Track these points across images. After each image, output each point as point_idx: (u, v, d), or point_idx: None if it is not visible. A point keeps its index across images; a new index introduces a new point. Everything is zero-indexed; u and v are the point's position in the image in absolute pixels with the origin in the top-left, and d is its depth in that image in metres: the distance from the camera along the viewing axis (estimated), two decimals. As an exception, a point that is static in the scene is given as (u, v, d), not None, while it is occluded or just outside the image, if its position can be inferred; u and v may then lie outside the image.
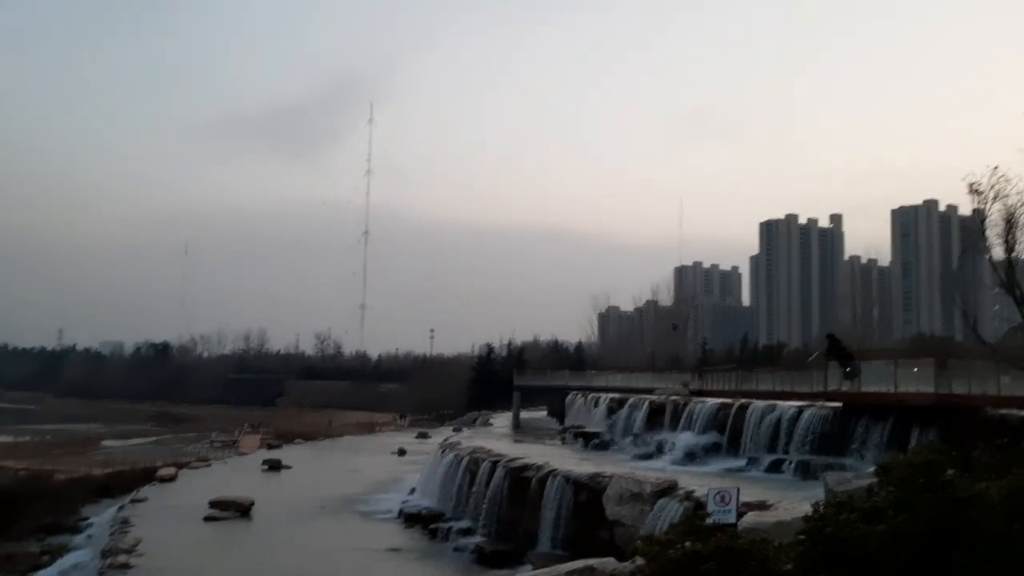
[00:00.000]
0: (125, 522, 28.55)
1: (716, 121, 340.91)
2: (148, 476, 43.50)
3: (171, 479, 40.75)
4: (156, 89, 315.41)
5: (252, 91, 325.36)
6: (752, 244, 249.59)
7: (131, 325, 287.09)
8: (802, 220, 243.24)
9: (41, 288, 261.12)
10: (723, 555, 9.29)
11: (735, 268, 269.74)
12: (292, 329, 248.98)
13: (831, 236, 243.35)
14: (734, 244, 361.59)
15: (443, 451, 35.69)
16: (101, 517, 36.31)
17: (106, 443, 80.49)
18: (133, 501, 34.19)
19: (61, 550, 33.09)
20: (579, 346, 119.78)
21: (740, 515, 14.04)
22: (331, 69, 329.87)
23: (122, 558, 22.59)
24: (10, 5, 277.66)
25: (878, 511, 7.56)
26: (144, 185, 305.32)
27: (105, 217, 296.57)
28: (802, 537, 8.72)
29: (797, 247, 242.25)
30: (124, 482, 46.61)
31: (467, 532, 27.21)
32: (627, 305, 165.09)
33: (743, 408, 30.92)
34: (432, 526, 28.65)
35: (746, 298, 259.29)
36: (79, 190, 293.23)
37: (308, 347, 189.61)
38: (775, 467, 27.36)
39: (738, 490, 14.21)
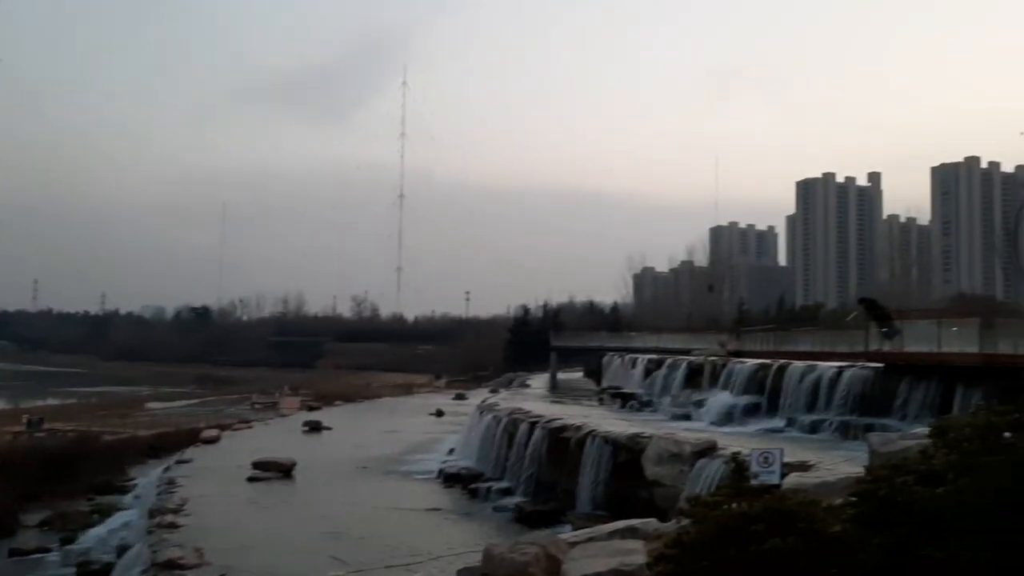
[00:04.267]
0: (171, 482, 29.13)
1: (752, 77, 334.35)
2: (192, 438, 44.36)
3: (214, 440, 41.48)
4: (189, 53, 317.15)
5: (282, 53, 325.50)
6: (789, 203, 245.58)
7: (171, 289, 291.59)
8: (839, 178, 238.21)
9: (83, 254, 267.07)
10: (772, 516, 9.15)
11: (771, 228, 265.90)
12: (329, 292, 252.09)
13: (869, 194, 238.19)
14: (771, 203, 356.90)
15: (481, 412, 35.95)
16: (148, 477, 37.25)
17: (151, 405, 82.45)
18: (178, 462, 34.85)
19: (110, 509, 34.12)
20: (615, 307, 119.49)
21: (783, 476, 13.93)
22: (358, 28, 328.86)
23: (169, 517, 23.10)
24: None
25: (935, 474, 7.39)
26: (180, 149, 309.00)
27: (142, 182, 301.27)
28: (853, 499, 8.56)
29: (834, 206, 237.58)
30: (169, 443, 47.84)
31: (506, 492, 27.47)
32: (663, 265, 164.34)
33: (782, 368, 30.64)
34: (472, 486, 28.95)
35: (783, 258, 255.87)
36: (117, 156, 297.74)
37: (345, 310, 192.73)
38: (814, 428, 27.20)
39: (782, 451, 14.03)
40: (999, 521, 6.54)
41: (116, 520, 30.91)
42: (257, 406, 70.25)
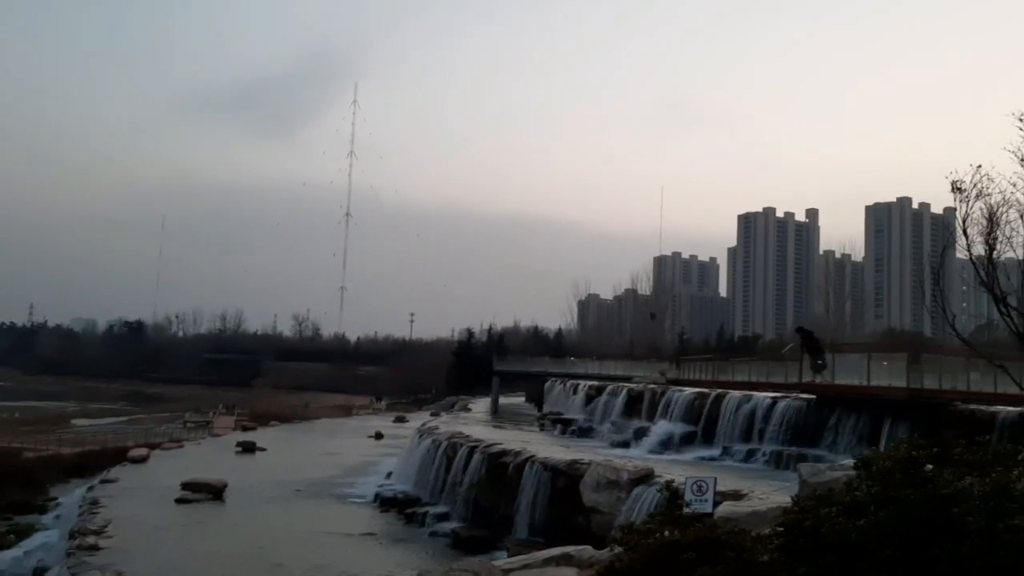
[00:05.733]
0: (95, 503, 28.17)
1: (695, 112, 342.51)
2: (119, 456, 42.98)
3: (143, 460, 40.29)
4: (128, 63, 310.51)
5: (225, 67, 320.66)
6: (730, 236, 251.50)
7: (105, 302, 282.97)
8: (779, 214, 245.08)
9: (12, 263, 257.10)
10: (701, 545, 9.30)
11: (713, 259, 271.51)
12: (270, 310, 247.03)
13: (807, 230, 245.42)
14: (713, 235, 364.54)
15: (421, 435, 35.63)
16: (70, 497, 35.87)
17: (77, 422, 79.59)
18: (103, 481, 33.73)
19: (28, 530, 32.59)
20: (559, 333, 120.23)
21: (716, 504, 14.13)
22: (306, 45, 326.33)
23: (91, 539, 22.30)
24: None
25: (858, 505, 7.59)
26: (118, 161, 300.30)
27: (78, 192, 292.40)
28: (780, 529, 8.73)
29: (773, 240, 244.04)
30: (95, 462, 46.04)
31: (443, 517, 27.20)
32: (607, 293, 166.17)
33: (719, 398, 31.14)
34: (408, 511, 28.58)
35: (723, 289, 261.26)
36: (51, 165, 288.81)
37: (286, 328, 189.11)
38: (749, 457, 27.66)
39: (715, 480, 14.26)
40: (916, 551, 6.75)
41: (34, 541, 29.56)
42: (190, 425, 68.30)
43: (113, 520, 24.61)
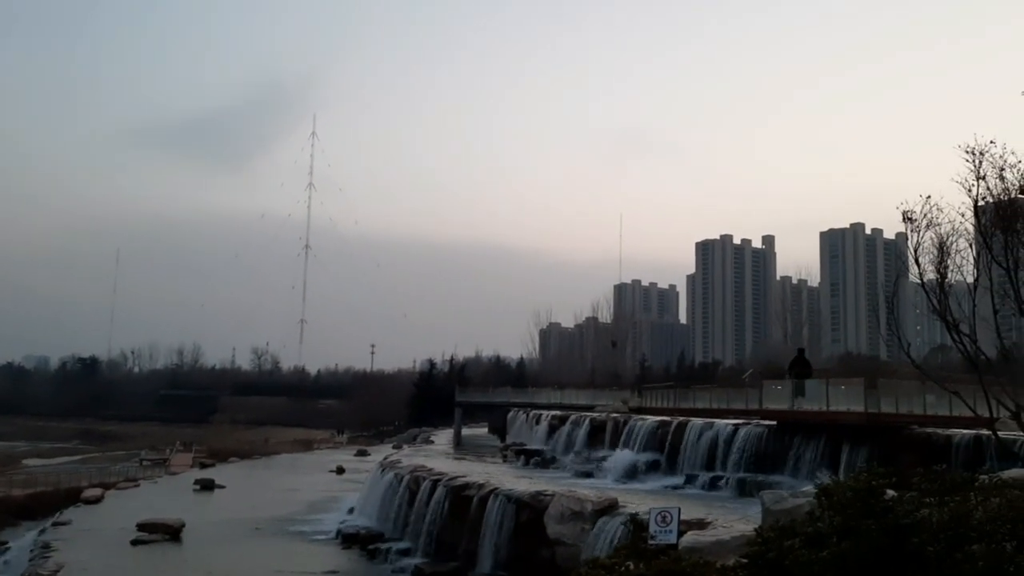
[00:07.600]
0: (46, 546, 27.21)
1: (652, 141, 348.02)
2: (72, 497, 41.76)
3: (97, 500, 39.15)
4: (77, 95, 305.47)
5: (177, 98, 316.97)
6: (689, 263, 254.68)
7: (57, 339, 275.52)
8: (736, 240, 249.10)
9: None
10: (667, 578, 9.32)
11: (672, 286, 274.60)
12: (228, 344, 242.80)
13: (764, 256, 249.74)
14: (672, 262, 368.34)
15: (383, 469, 35.18)
16: (20, 541, 34.73)
17: (28, 462, 77.11)
18: (55, 524, 32.66)
19: (-25, 577, 31.44)
20: (521, 362, 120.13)
21: (680, 535, 14.15)
22: (260, 76, 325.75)
23: (42, 585, 21.57)
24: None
25: (820, 536, 7.67)
26: (69, 195, 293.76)
27: (28, 227, 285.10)
28: (744, 560, 8.78)
29: (731, 267, 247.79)
30: (46, 503, 44.65)
31: (407, 552, 26.81)
32: (568, 321, 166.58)
33: (682, 426, 31.29)
34: (371, 547, 28.11)
35: (683, 316, 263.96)
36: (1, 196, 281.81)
37: (244, 362, 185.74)
38: (712, 484, 27.75)
39: (679, 510, 14.34)
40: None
41: (-19, 589, 28.58)
42: (146, 463, 66.67)
43: (66, 564, 23.79)
